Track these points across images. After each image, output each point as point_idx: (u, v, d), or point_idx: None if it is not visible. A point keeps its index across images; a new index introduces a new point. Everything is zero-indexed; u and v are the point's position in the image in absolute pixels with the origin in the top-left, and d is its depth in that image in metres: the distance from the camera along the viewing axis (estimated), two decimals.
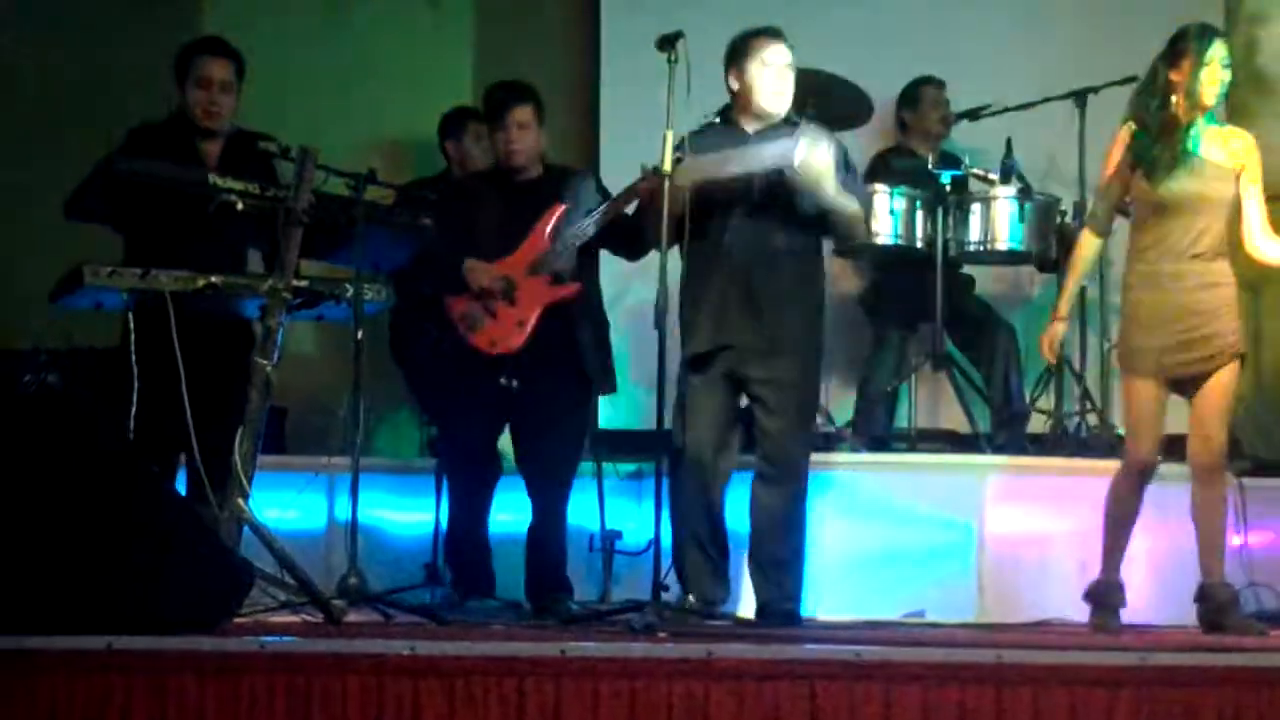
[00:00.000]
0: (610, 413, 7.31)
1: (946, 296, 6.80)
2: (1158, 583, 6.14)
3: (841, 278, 7.33)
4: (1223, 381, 5.56)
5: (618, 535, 6.59)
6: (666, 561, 5.42)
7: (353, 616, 5.11)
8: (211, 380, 5.19)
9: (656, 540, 5.31)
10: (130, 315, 5.21)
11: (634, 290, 6.62)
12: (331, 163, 5.31)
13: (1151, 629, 5.77)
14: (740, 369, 5.74)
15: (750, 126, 5.81)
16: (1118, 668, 4.20)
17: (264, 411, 5.11)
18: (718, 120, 5.82)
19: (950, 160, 7.07)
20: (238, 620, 4.68)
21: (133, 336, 5.15)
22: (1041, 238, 6.82)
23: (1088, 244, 5.83)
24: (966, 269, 7.22)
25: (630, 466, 6.67)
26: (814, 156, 5.62)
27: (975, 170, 6.88)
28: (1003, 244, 6.82)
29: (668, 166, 5.39)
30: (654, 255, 5.46)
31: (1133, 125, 5.65)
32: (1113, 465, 5.84)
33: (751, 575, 5.79)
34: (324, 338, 6.86)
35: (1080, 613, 5.78)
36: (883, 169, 7.18)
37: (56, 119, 7.22)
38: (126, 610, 4.23)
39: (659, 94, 5.33)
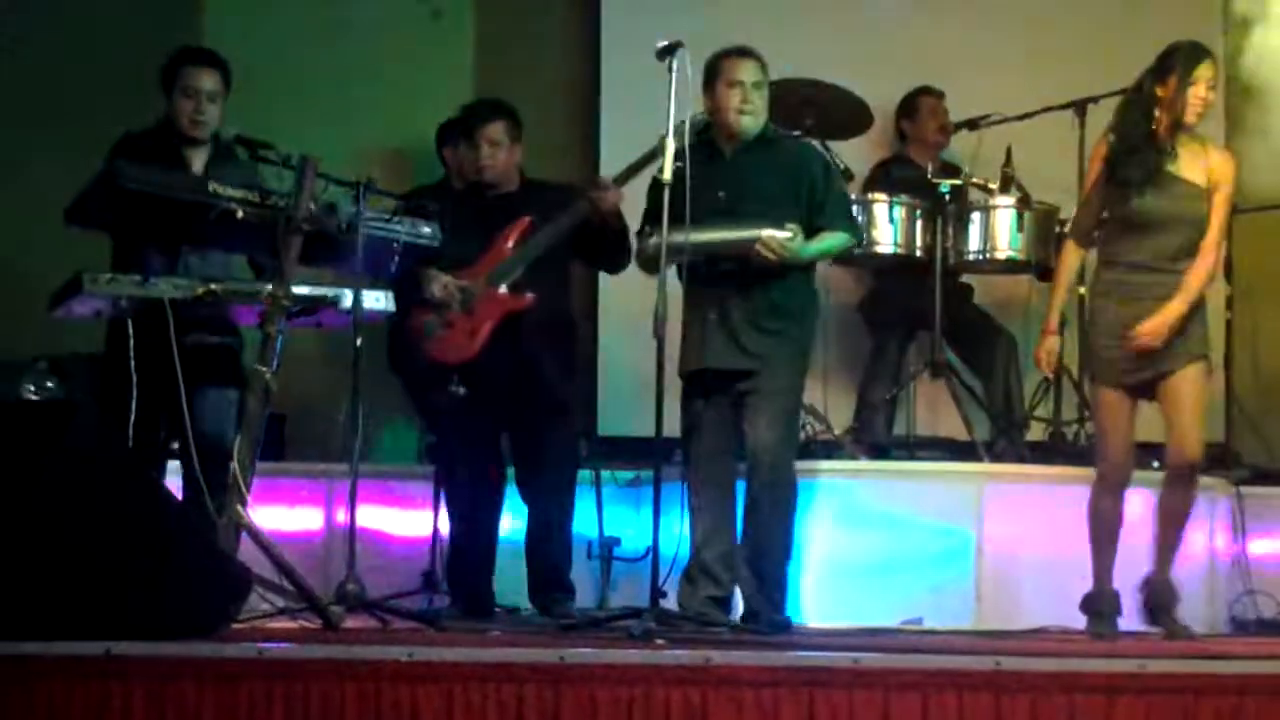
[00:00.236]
0: (609, 420, 7.32)
1: (946, 305, 6.80)
2: None
3: (841, 286, 7.35)
4: (1188, 381, 5.55)
5: (616, 542, 6.60)
6: (665, 568, 5.42)
7: (351, 622, 5.11)
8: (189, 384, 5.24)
9: (655, 547, 5.31)
10: (130, 322, 5.23)
11: (635, 295, 6.62)
12: (329, 168, 5.31)
13: (1149, 636, 5.77)
14: (727, 381, 5.74)
15: (726, 147, 5.82)
16: (1116, 675, 4.21)
17: (263, 418, 5.12)
18: (705, 130, 5.80)
19: (950, 169, 7.07)
20: (236, 626, 4.68)
21: (131, 342, 5.17)
22: (1041, 247, 6.81)
23: (1071, 255, 5.85)
24: (966, 278, 7.23)
25: (628, 474, 6.67)
26: (778, 251, 5.60)
27: (975, 179, 6.88)
28: (1002, 253, 6.83)
29: (667, 175, 5.40)
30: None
31: (1111, 138, 5.66)
32: None
33: (741, 584, 5.79)
34: (323, 344, 6.85)
35: (1078, 620, 5.79)
36: (882, 178, 7.19)
37: (57, 119, 7.21)
38: (125, 616, 4.23)
39: (659, 95, 5.33)
